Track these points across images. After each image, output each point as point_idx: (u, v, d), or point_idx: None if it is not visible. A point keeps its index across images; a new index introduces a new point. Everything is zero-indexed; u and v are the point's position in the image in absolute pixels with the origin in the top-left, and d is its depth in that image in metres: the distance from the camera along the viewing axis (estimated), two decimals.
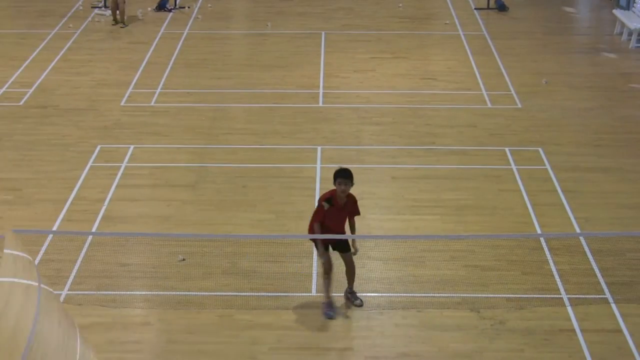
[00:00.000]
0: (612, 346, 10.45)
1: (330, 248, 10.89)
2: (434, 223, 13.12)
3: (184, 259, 12.06)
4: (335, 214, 10.67)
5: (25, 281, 7.74)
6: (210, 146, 15.69)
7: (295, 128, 16.42)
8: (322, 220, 10.64)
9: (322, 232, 10.64)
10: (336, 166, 14.74)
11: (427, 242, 12.47)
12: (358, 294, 11.23)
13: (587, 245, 12.42)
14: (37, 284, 7.81)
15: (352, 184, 10.61)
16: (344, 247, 10.93)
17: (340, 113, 17.13)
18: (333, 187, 10.65)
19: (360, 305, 11.10)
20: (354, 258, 11.03)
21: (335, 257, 10.95)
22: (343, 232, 10.90)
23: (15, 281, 7.59)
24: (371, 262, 12.07)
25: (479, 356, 10.28)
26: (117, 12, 22.47)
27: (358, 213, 10.89)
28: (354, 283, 11.19)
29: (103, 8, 23.60)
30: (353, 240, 10.89)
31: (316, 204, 13.52)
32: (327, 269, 10.85)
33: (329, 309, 10.95)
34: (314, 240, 10.85)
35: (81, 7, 23.94)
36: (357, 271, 11.74)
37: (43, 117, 16.93)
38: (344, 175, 10.56)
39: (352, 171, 14.52)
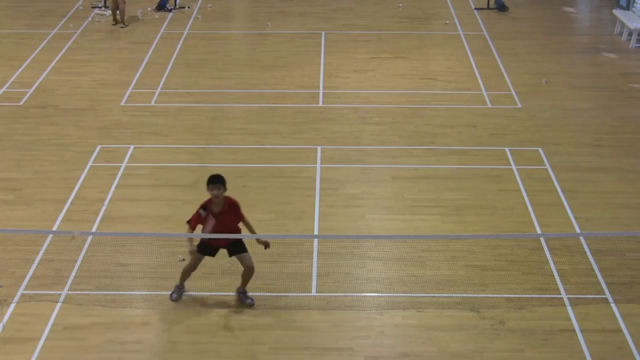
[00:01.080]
0: (612, 346, 10.45)
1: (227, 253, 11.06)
2: (434, 223, 13.12)
3: (183, 259, 12.05)
4: (213, 220, 10.76)
5: None
6: (210, 146, 15.69)
7: (295, 128, 16.42)
8: (198, 224, 10.82)
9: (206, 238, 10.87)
10: (336, 166, 14.85)
11: (427, 242, 12.46)
12: (358, 295, 11.22)
13: (587, 245, 12.41)
14: None
15: (224, 188, 10.72)
16: (238, 250, 10.96)
17: (340, 113, 17.12)
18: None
19: (252, 305, 11.13)
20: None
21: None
22: (228, 239, 10.91)
23: None
24: (371, 262, 12.06)
25: (479, 356, 10.28)
26: (117, 12, 22.47)
27: (242, 218, 10.95)
28: (247, 285, 11.21)
29: (103, 8, 23.59)
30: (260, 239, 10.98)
31: (316, 204, 13.59)
32: (190, 268, 11.08)
33: (176, 291, 11.22)
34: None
35: (81, 7, 23.93)
36: (357, 271, 11.77)
37: (43, 117, 16.93)
38: (213, 181, 10.70)
39: (352, 171, 14.63)
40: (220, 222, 10.76)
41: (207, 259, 12.01)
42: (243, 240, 11.01)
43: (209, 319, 10.89)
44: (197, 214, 10.78)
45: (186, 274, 11.20)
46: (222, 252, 11.07)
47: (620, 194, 14.07)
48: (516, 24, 22.85)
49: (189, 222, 10.88)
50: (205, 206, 10.78)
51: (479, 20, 23.07)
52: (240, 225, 11.04)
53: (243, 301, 11.20)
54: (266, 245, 10.91)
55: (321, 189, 14.06)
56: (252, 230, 11.02)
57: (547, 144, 15.74)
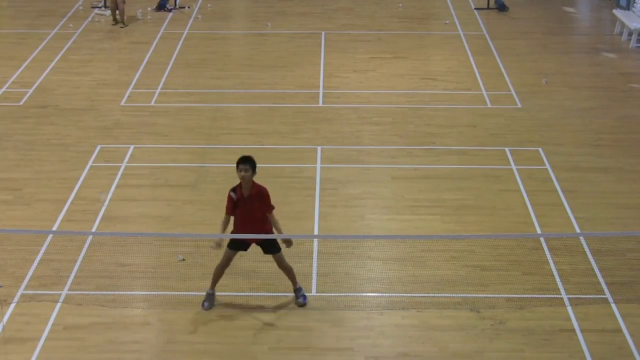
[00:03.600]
0: (612, 346, 10.45)
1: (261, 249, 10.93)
2: (434, 223, 13.12)
3: (183, 259, 12.06)
4: (242, 206, 10.61)
5: None
6: (210, 146, 15.69)
7: (295, 128, 16.42)
8: (233, 211, 10.63)
9: (237, 228, 10.69)
10: (336, 166, 14.85)
11: (427, 242, 12.46)
12: (358, 295, 11.20)
13: (587, 245, 12.41)
14: None
15: (253, 171, 10.53)
16: (271, 249, 10.86)
17: (340, 113, 17.12)
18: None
19: (303, 305, 11.07)
20: (289, 251, 10.99)
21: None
22: (258, 230, 10.68)
23: None
24: (371, 262, 12.06)
25: (479, 356, 10.28)
26: (117, 12, 22.47)
27: (271, 208, 10.75)
28: (295, 280, 11.16)
29: (103, 8, 23.60)
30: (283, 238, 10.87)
31: (316, 204, 13.59)
32: (222, 266, 10.95)
33: (207, 299, 11.06)
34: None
35: (81, 7, 23.93)
36: (357, 271, 11.75)
37: (43, 117, 16.93)
38: (242, 161, 10.51)
39: (352, 171, 14.63)
40: (249, 210, 10.58)
41: (207, 258, 12.02)
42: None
43: (209, 319, 10.89)
44: (229, 197, 10.61)
45: (218, 274, 10.99)
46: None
47: (620, 194, 14.07)
48: (516, 24, 22.86)
49: (226, 212, 10.69)
50: (235, 189, 10.63)
51: (479, 20, 23.07)
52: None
53: (296, 299, 11.13)
54: (288, 244, 10.81)
55: (321, 189, 14.06)
56: (277, 227, 10.80)
57: (547, 144, 15.74)
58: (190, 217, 13.27)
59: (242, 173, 10.51)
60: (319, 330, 10.73)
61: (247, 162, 10.51)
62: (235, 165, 10.52)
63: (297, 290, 11.18)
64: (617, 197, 13.95)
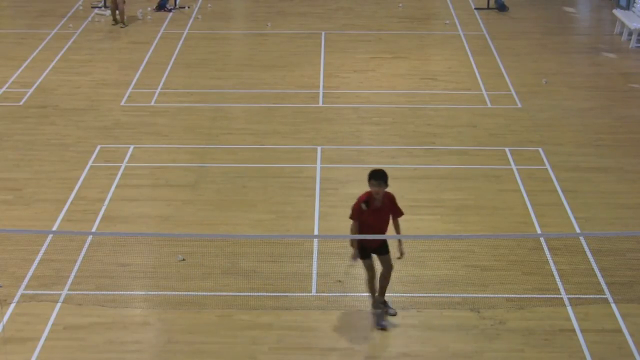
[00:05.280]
0: (612, 346, 10.45)
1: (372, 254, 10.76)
2: (434, 223, 13.12)
3: (183, 259, 12.06)
4: (374, 214, 10.51)
5: None
6: (210, 146, 15.69)
7: (295, 128, 16.42)
8: (361, 221, 10.52)
9: (364, 233, 10.49)
10: (336, 166, 14.85)
11: (427, 242, 12.46)
12: (358, 295, 11.20)
13: (587, 245, 12.41)
14: None
15: (385, 185, 10.44)
16: (386, 250, 10.75)
17: (340, 113, 17.12)
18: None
19: (394, 314, 10.92)
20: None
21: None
22: (384, 232, 10.65)
23: None
24: None
25: (479, 356, 10.28)
26: (117, 12, 22.48)
27: (401, 213, 10.70)
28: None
29: (103, 8, 23.60)
30: (399, 243, 10.65)
31: (316, 204, 13.58)
32: (371, 277, 10.81)
33: (381, 319, 10.85)
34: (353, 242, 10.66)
35: (81, 7, 23.93)
36: (357, 271, 11.72)
37: (43, 117, 16.93)
38: (376, 177, 10.43)
39: (352, 171, 14.63)
40: (379, 216, 10.49)
41: (206, 258, 12.03)
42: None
43: (209, 319, 10.89)
44: (359, 209, 10.42)
45: (371, 286, 10.87)
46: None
47: (620, 194, 14.07)
48: (516, 24, 22.85)
49: (351, 217, 10.52)
50: (367, 201, 10.43)
51: (479, 20, 23.06)
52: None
53: (388, 313, 10.84)
54: (401, 254, 10.62)
55: (321, 189, 14.06)
56: (398, 230, 10.71)
57: (547, 144, 15.74)
58: (190, 217, 13.27)
59: (376, 188, 10.37)
60: (319, 330, 10.72)
61: (380, 178, 10.39)
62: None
63: (385, 304, 10.97)
64: (617, 197, 13.95)
